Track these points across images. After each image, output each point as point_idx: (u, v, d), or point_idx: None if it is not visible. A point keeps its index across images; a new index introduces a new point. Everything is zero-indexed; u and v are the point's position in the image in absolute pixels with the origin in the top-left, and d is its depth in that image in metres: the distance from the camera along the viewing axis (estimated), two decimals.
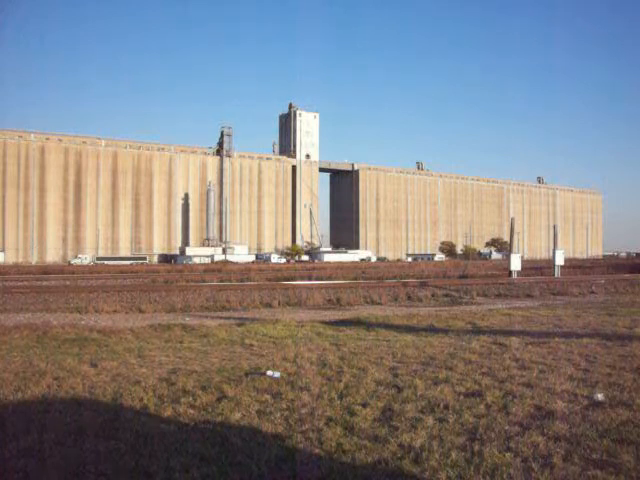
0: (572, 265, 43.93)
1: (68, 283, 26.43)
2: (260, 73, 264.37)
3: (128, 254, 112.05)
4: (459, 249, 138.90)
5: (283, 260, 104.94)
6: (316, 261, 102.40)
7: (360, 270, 43.75)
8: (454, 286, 22.19)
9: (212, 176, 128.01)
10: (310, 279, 28.27)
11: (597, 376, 6.34)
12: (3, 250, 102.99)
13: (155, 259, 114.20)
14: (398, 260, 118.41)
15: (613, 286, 22.07)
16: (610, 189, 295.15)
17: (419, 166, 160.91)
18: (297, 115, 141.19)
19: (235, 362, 7.39)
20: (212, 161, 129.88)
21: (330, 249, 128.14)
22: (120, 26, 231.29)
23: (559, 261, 32.65)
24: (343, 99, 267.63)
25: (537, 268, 40.29)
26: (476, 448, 4.12)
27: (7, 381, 6.15)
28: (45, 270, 47.68)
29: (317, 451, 4.12)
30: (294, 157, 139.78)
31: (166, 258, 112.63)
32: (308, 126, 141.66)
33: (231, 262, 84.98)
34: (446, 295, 19.12)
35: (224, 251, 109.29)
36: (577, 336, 9.23)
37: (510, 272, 30.32)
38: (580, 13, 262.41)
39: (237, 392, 5.69)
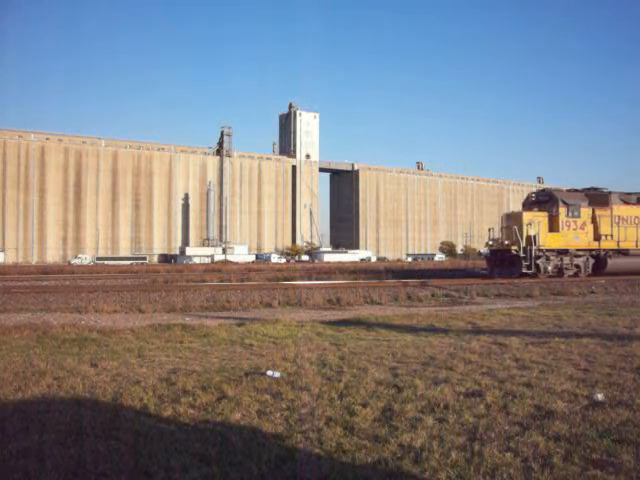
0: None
1: (68, 283, 26.41)
2: (260, 73, 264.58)
3: (128, 254, 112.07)
4: (459, 249, 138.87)
5: (283, 260, 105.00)
6: (316, 261, 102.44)
7: (360, 270, 43.69)
8: (454, 286, 22.18)
9: (212, 176, 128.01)
10: (310, 279, 28.26)
11: (597, 376, 6.34)
12: (3, 250, 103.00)
13: (155, 259, 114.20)
14: (398, 260, 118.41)
15: (613, 286, 22.06)
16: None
17: (419, 166, 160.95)
18: (297, 115, 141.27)
19: (235, 362, 7.39)
20: (212, 161, 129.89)
21: (330, 249, 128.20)
22: (120, 26, 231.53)
23: None
24: (343, 99, 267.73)
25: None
26: (476, 448, 4.12)
27: (7, 381, 6.15)
28: (45, 270, 47.67)
29: (317, 451, 4.12)
30: (294, 157, 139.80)
31: (166, 258, 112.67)
32: (308, 126, 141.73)
33: (231, 262, 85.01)
34: (446, 295, 19.11)
35: (224, 251, 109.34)
36: (577, 336, 9.23)
37: None
38: (579, 13, 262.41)
39: (237, 392, 5.69)
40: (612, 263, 29.04)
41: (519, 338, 9.07)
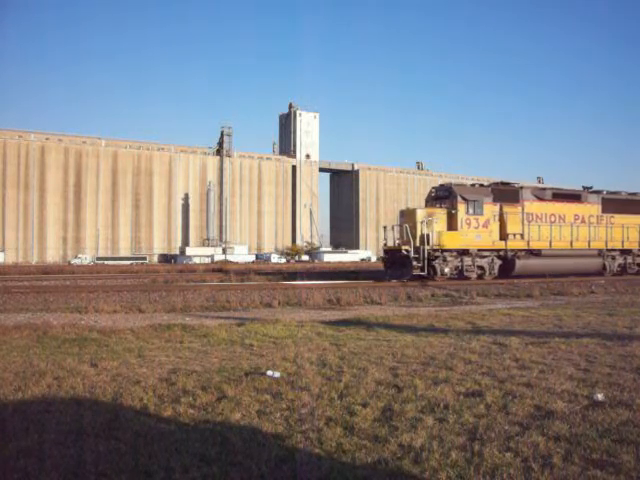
0: None
1: (68, 283, 26.42)
2: (260, 73, 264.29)
3: (128, 254, 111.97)
4: None
5: (283, 260, 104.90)
6: (316, 261, 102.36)
7: (361, 270, 43.67)
8: (454, 286, 22.18)
9: (212, 176, 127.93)
10: (310, 279, 28.27)
11: (597, 376, 6.35)
12: (3, 250, 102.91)
13: (155, 259, 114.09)
14: None
15: (613, 286, 22.07)
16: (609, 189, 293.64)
17: (419, 166, 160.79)
18: (297, 115, 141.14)
19: (235, 362, 7.39)
20: (212, 161, 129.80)
21: (330, 249, 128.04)
22: (120, 25, 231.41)
23: None
24: (343, 99, 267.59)
25: None
26: (476, 448, 4.12)
27: (7, 381, 6.15)
28: (45, 270, 47.61)
29: (317, 451, 4.12)
30: (294, 157, 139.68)
31: (166, 258, 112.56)
32: (308, 126, 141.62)
33: (231, 262, 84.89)
34: (446, 295, 19.12)
35: (224, 251, 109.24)
36: (577, 336, 9.24)
37: None
38: (579, 12, 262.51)
39: (237, 392, 5.70)
40: (521, 264, 26.90)
41: (519, 338, 9.07)
